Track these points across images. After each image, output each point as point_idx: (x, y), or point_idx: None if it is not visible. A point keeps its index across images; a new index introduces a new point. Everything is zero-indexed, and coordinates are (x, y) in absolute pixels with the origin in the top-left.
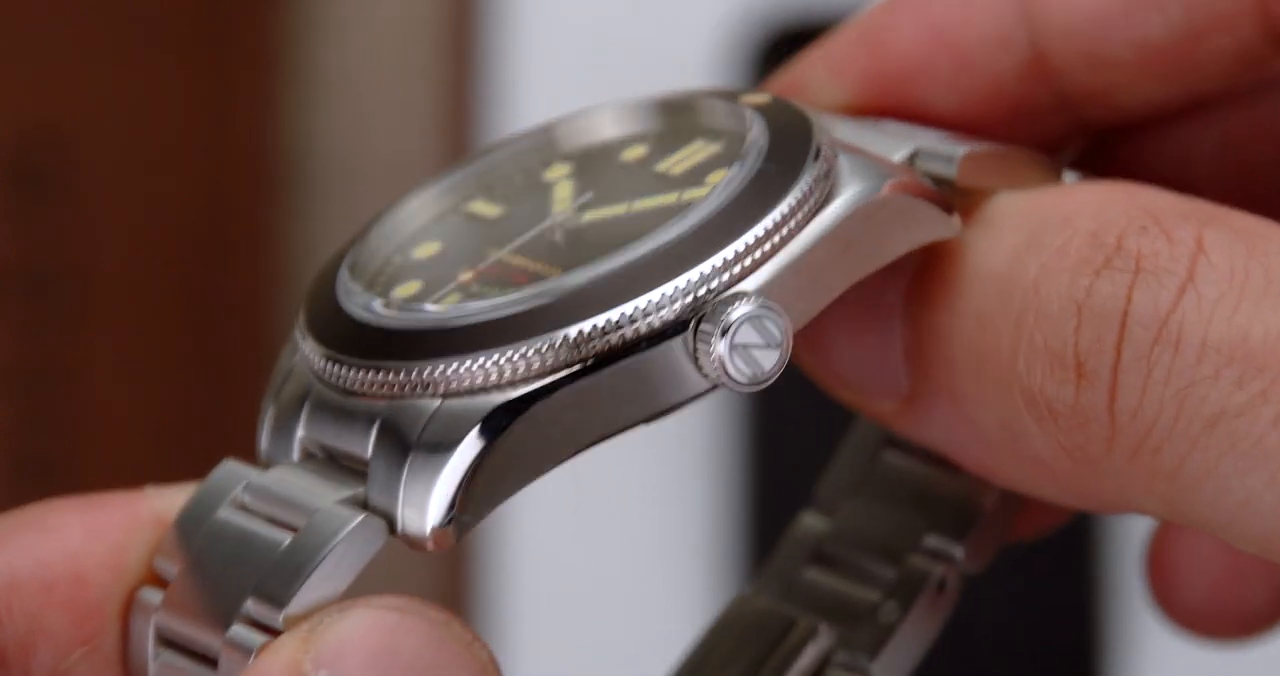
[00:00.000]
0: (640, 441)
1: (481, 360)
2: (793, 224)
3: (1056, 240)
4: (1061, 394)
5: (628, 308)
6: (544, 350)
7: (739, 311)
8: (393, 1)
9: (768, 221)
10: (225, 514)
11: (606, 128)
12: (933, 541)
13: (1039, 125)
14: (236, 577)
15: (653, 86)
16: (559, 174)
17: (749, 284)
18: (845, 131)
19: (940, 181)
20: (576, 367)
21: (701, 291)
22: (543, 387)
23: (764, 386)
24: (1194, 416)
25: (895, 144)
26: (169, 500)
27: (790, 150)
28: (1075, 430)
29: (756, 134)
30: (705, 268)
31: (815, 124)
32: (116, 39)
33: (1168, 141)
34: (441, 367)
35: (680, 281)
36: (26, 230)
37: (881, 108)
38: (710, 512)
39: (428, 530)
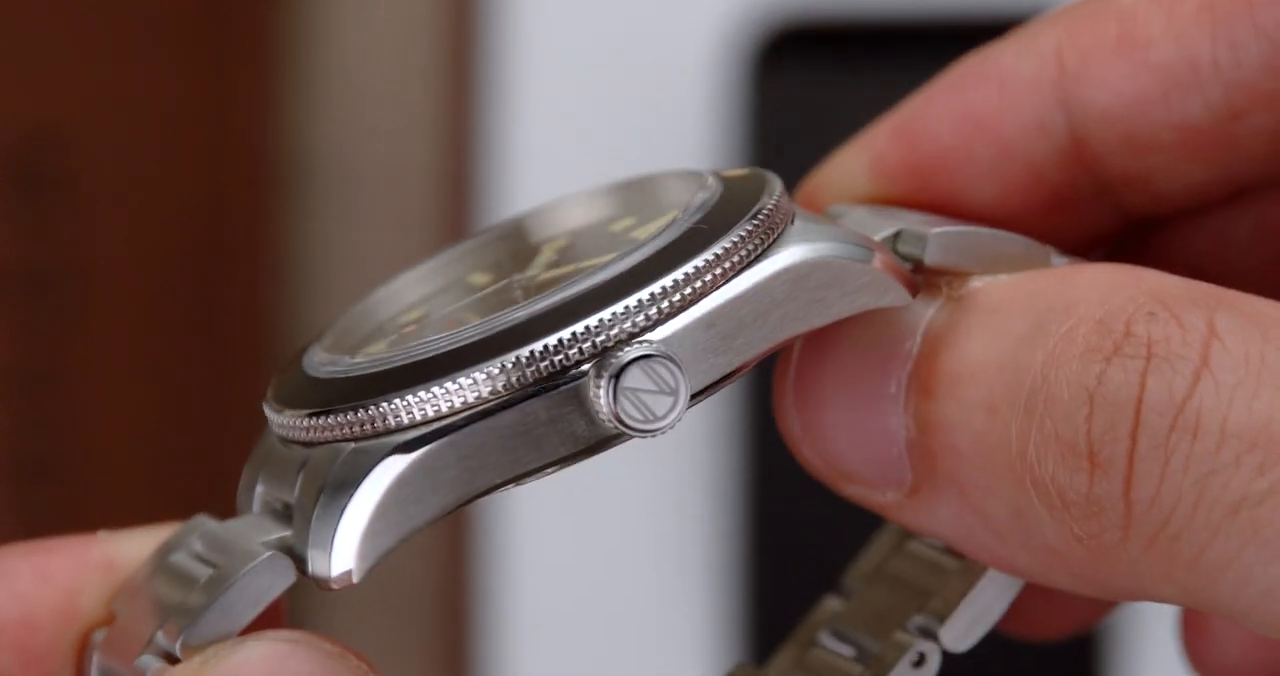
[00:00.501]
0: (640, 443)
1: (384, 404)
2: (709, 277)
3: (1062, 327)
4: (1075, 482)
5: (524, 352)
6: (442, 393)
7: (629, 356)
8: (393, 2)
9: (678, 274)
10: (175, 558)
11: (608, 204)
12: (919, 619)
13: (1079, 214)
14: (156, 611)
15: (652, 88)
16: (553, 246)
17: (658, 333)
18: (856, 216)
19: (913, 261)
20: (479, 409)
21: (602, 337)
22: (443, 428)
23: (661, 431)
24: (1215, 504)
25: (884, 224)
26: (120, 544)
27: (731, 212)
28: (1089, 519)
29: (704, 197)
30: (605, 314)
31: (770, 190)
32: (116, 39)
33: (1204, 229)
34: (354, 412)
35: (579, 327)
36: (26, 230)
37: (918, 200)
38: (710, 515)
39: (330, 572)
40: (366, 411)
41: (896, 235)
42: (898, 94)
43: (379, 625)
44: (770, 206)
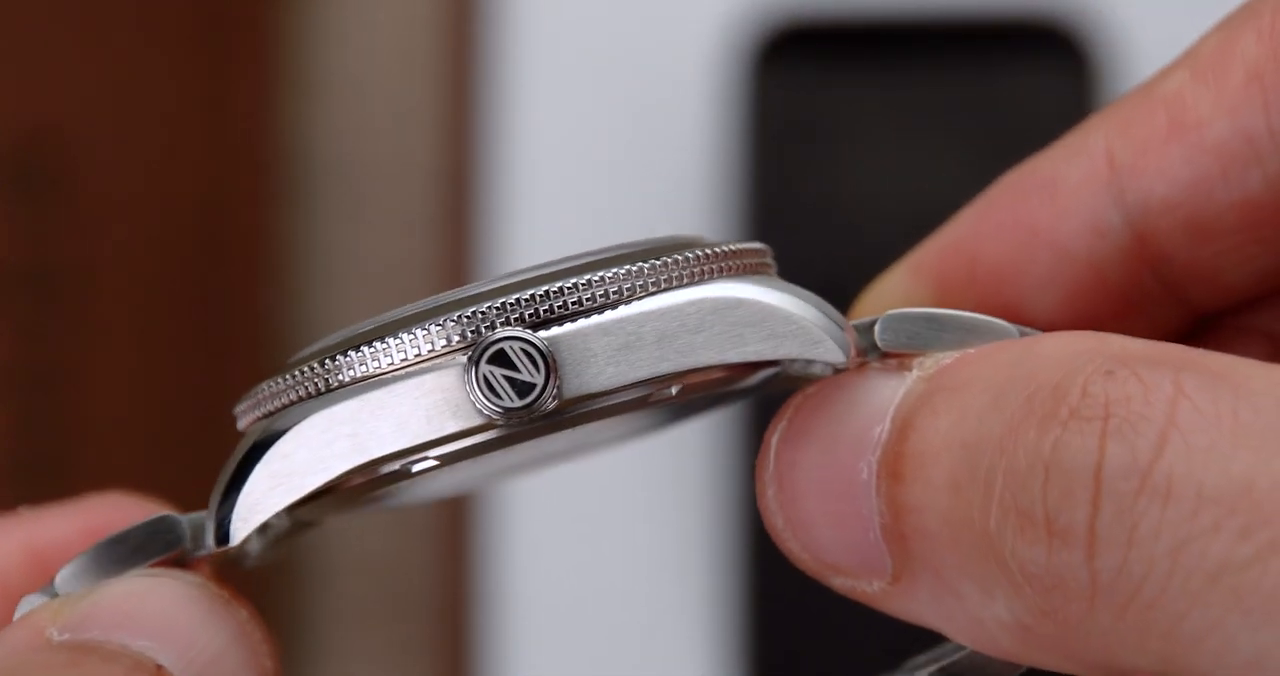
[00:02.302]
0: (642, 445)
1: (281, 379)
2: (614, 289)
3: (1020, 396)
4: (1033, 555)
5: (419, 330)
6: (334, 368)
7: (498, 335)
8: (393, 1)
9: (579, 279)
10: None
11: None
12: (918, 660)
13: (1148, 315)
14: None
15: (652, 87)
16: None
17: (549, 329)
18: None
19: (872, 344)
20: (370, 380)
21: (488, 324)
22: (332, 399)
23: (518, 417)
24: (1193, 571)
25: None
26: (40, 522)
27: (669, 249)
28: (1052, 591)
29: (658, 238)
30: (496, 302)
31: (733, 243)
32: (116, 39)
33: (1270, 320)
34: (266, 388)
35: (468, 311)
36: (26, 230)
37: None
38: (710, 516)
39: (210, 539)
40: (273, 386)
41: (876, 320)
42: (898, 94)
43: (380, 626)
44: (718, 250)
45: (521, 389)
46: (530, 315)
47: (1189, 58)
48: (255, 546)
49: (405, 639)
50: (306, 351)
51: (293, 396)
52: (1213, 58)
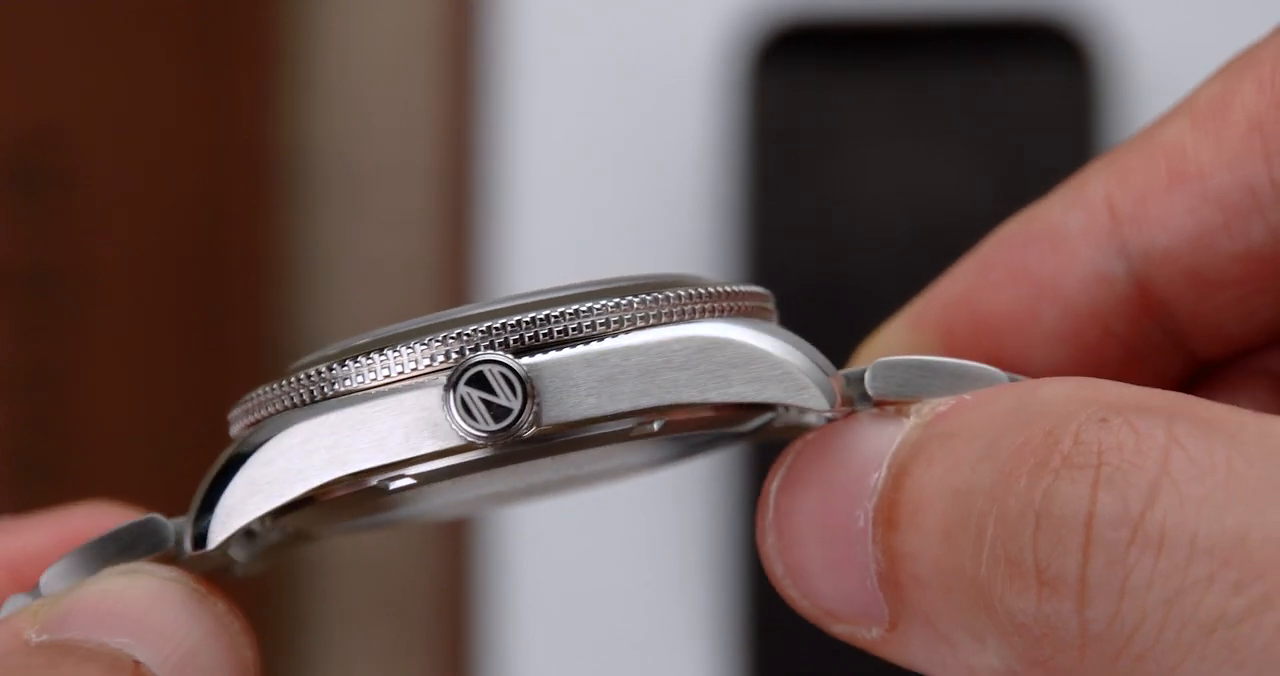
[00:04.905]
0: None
1: (263, 392)
2: (600, 322)
3: (1013, 443)
4: (1022, 604)
5: (404, 348)
6: (295, 384)
7: (478, 358)
8: (393, 2)
9: (568, 309)
10: None
11: None
12: None
13: (1151, 363)
14: None
15: (652, 87)
16: None
17: (532, 356)
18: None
19: (863, 393)
20: (353, 395)
21: (472, 346)
22: (309, 412)
23: (490, 441)
24: (1187, 623)
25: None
26: (15, 532)
27: (665, 286)
28: (1041, 641)
29: (659, 274)
30: (482, 326)
31: (729, 285)
32: (116, 39)
33: (1274, 360)
34: (252, 399)
35: (453, 332)
36: (26, 230)
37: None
38: (710, 517)
39: (188, 540)
40: (263, 394)
41: (868, 368)
42: (897, 94)
43: (380, 626)
44: (713, 290)
45: (498, 413)
46: (515, 341)
47: (1187, 105)
48: (240, 553)
49: (405, 639)
50: (304, 360)
51: (280, 405)
52: (1212, 106)
